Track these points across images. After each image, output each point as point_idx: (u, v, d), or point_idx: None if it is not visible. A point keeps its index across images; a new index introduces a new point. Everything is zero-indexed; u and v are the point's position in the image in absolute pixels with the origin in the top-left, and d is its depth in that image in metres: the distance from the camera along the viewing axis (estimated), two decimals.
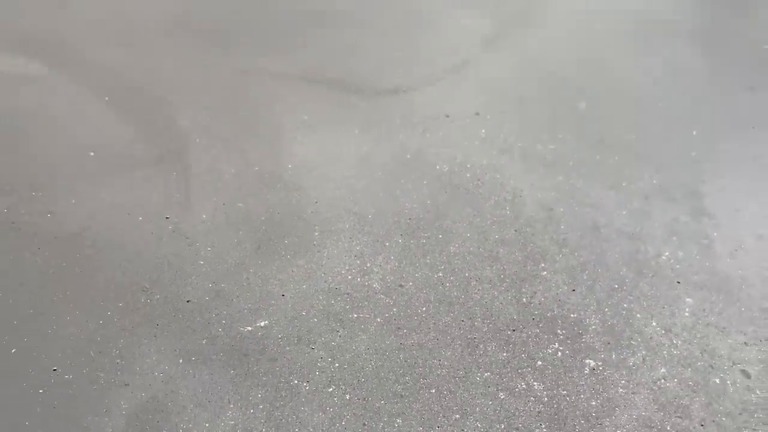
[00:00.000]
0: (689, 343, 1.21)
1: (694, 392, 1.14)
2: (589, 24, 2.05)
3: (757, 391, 1.15)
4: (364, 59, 1.86)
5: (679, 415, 1.11)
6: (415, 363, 1.16)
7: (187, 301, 1.25)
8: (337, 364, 1.15)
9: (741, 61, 1.91)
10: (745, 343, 1.22)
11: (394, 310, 1.25)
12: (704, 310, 1.27)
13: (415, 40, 1.95)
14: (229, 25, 1.97)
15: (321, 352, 1.17)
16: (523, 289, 1.29)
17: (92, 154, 1.54)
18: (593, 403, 1.12)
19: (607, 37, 1.99)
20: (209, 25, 1.98)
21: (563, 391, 1.13)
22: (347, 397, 1.11)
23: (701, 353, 1.20)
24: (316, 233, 1.39)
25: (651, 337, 1.21)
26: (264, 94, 1.74)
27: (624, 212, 1.46)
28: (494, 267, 1.33)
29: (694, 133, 1.66)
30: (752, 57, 1.93)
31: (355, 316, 1.23)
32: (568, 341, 1.20)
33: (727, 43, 1.98)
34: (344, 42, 1.93)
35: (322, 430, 1.07)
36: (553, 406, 1.11)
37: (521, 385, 1.14)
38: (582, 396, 1.13)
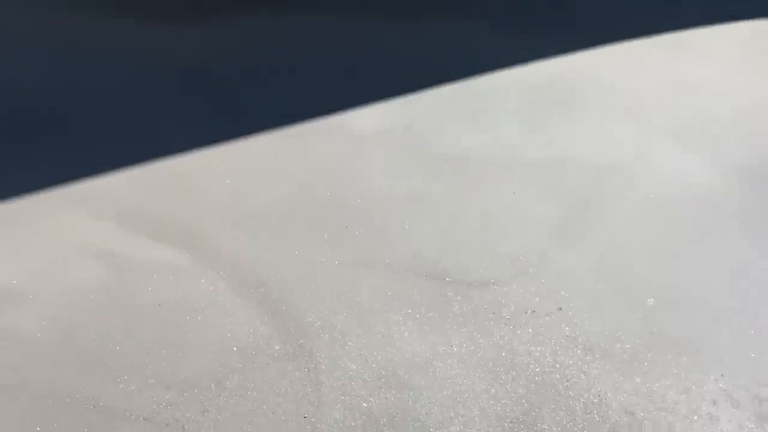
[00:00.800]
0: None
1: None
2: (648, 211, 2.31)
3: None
4: (452, 250, 2.13)
5: None
6: None
7: None
8: None
9: None
10: None
11: None
12: None
13: (495, 228, 2.22)
14: (334, 213, 2.26)
15: None
16: None
17: (235, 349, 1.81)
18: None
19: (668, 227, 2.24)
20: (316, 211, 2.27)
21: None
22: None
23: None
24: None
25: None
26: (371, 285, 2.01)
27: (695, 417, 1.68)
28: None
29: (752, 332, 1.89)
30: None
31: None
32: None
33: None
34: (433, 232, 2.20)
35: None
36: None
37: None
38: None
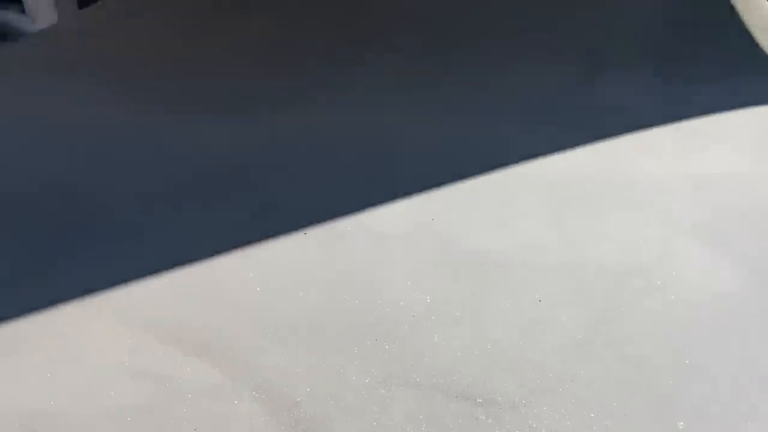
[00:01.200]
0: None
1: None
2: (670, 317, 2.33)
3: None
4: (481, 366, 2.15)
5: None
6: None
7: None
8: None
9: None
10: None
11: None
12: None
13: (521, 340, 2.24)
14: (362, 323, 2.30)
15: None
16: None
17: None
18: None
19: (691, 333, 2.26)
20: (345, 322, 2.30)
21: None
22: None
23: None
24: None
25: None
26: (402, 406, 2.03)
27: None
28: None
29: None
30: None
31: None
32: None
33: None
34: (461, 345, 2.22)
35: None
36: None
37: None
38: None
